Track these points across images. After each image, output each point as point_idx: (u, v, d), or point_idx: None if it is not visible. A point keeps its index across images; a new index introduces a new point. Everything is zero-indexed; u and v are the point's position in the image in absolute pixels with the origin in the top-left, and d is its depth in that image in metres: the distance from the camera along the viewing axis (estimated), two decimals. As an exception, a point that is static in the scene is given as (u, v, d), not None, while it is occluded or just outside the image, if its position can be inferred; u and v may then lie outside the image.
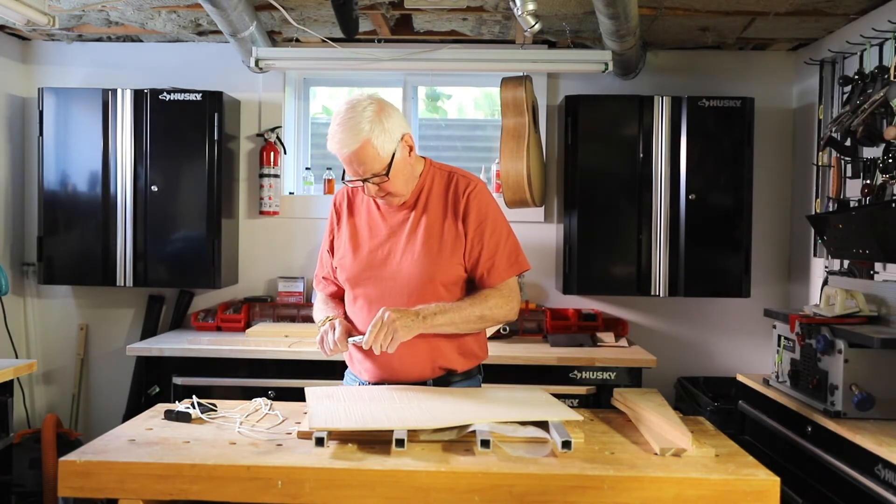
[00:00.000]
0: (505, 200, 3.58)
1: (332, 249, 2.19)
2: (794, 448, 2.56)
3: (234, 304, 3.88)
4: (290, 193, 4.05)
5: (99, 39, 3.97)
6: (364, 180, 1.96)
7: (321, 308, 2.19)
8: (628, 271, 3.62)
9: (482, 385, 2.20)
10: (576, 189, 3.63)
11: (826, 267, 3.26)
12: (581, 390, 3.28)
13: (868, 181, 2.96)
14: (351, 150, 1.91)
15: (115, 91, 3.64)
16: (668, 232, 3.59)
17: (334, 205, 2.19)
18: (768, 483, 1.57)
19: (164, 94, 3.63)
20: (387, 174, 1.95)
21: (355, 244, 2.10)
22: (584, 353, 3.35)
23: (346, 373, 2.23)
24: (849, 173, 3.19)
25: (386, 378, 2.06)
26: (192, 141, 3.63)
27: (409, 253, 2.03)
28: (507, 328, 3.68)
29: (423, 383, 2.05)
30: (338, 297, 2.24)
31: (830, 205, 3.30)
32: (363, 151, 1.91)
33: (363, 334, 1.98)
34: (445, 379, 2.08)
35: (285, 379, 3.27)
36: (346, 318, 2.12)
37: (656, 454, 1.71)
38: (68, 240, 3.66)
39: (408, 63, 3.60)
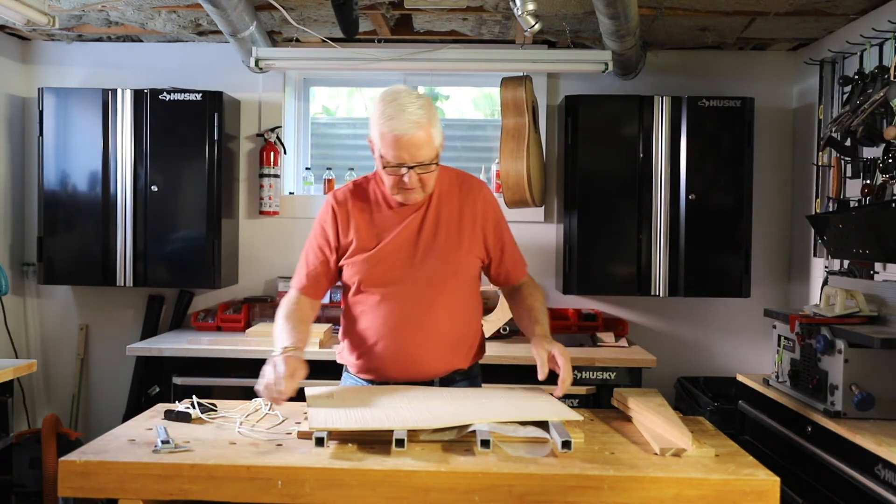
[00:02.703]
0: (505, 200, 3.58)
1: (333, 247, 2.04)
2: (794, 448, 2.56)
3: (234, 304, 3.87)
4: (290, 193, 4.05)
5: (99, 39, 3.97)
6: (410, 167, 1.89)
7: (284, 328, 1.97)
8: (628, 271, 3.62)
9: (482, 385, 2.20)
10: (576, 189, 3.63)
11: (826, 267, 3.26)
12: (581, 390, 3.28)
13: (868, 181, 2.96)
14: (415, 134, 1.85)
15: (115, 91, 3.64)
16: (668, 232, 3.59)
17: (336, 201, 2.05)
18: (768, 483, 1.57)
19: (164, 94, 3.63)
20: (437, 164, 1.92)
21: (372, 244, 2.01)
22: (584, 353, 3.35)
23: (345, 375, 2.19)
24: (849, 173, 3.19)
25: (403, 379, 2.04)
26: (192, 141, 3.63)
27: (432, 250, 2.01)
28: (508, 328, 3.67)
29: (431, 382, 2.06)
30: (306, 310, 2.07)
31: (830, 205, 3.30)
32: (421, 136, 1.87)
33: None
34: (451, 377, 2.09)
35: (285, 379, 3.26)
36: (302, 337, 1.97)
37: (656, 454, 1.71)
38: (68, 240, 3.65)
39: (408, 63, 3.60)
